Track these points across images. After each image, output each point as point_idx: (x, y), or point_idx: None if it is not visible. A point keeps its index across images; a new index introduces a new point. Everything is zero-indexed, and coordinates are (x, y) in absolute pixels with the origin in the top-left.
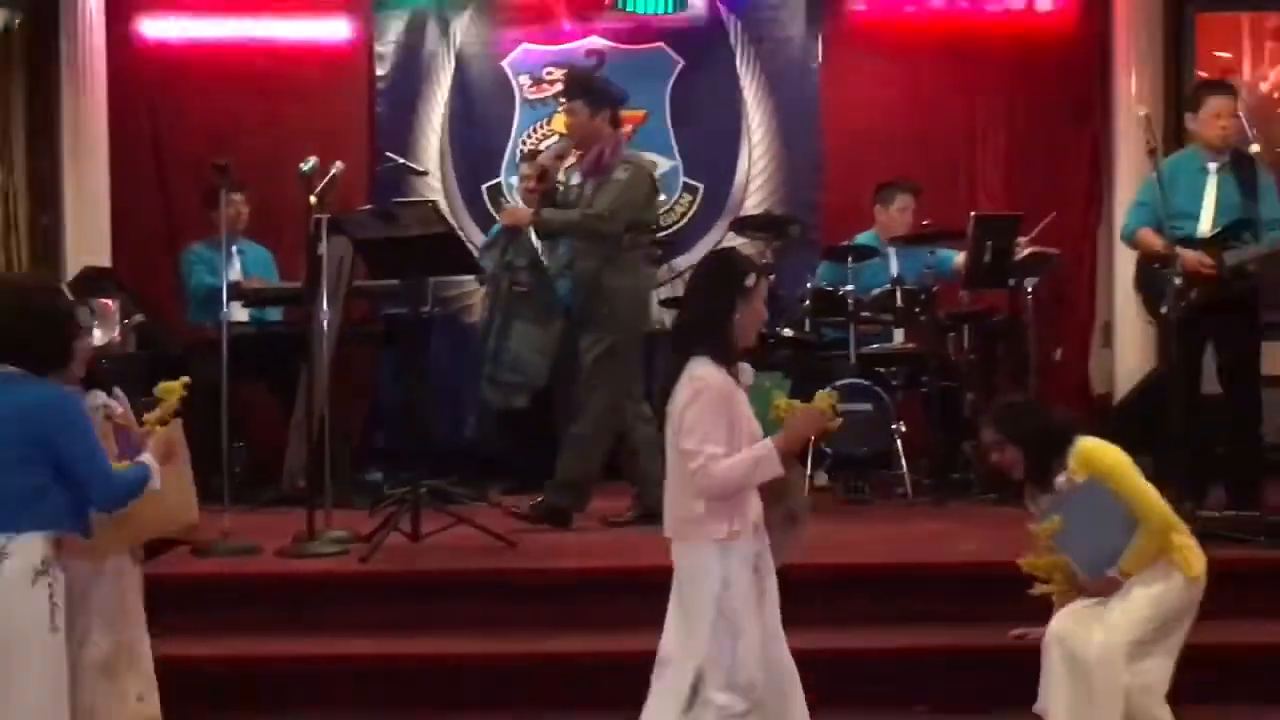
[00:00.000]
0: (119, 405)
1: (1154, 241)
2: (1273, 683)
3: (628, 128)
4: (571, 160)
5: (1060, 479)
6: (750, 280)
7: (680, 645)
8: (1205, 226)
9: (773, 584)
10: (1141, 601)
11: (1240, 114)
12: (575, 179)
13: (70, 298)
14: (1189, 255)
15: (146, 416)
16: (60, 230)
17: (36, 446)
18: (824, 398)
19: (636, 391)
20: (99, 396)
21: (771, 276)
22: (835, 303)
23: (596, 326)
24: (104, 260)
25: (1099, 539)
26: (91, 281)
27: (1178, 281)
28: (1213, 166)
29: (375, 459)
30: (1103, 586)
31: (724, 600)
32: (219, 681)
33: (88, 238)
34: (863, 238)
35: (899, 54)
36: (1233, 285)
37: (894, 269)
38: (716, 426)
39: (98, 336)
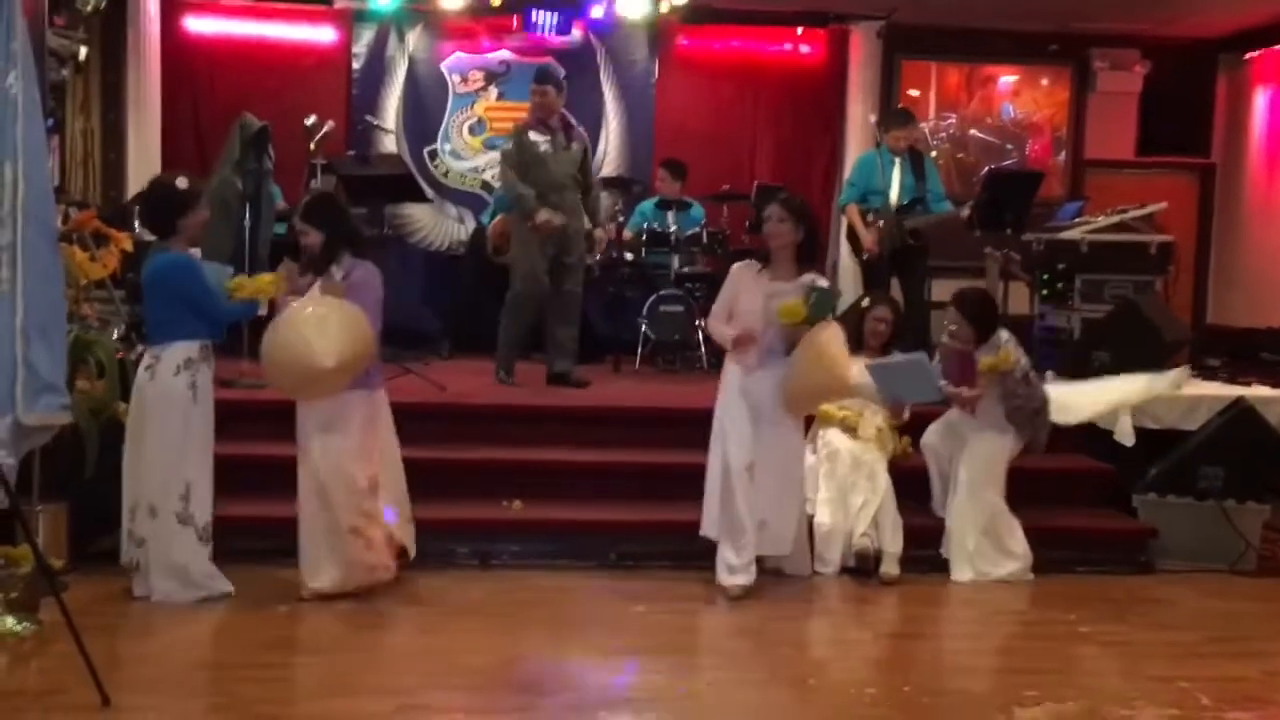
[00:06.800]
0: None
1: (854, 215)
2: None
3: (520, 115)
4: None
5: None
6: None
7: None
8: (893, 199)
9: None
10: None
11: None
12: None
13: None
14: (868, 239)
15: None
16: (124, 163)
17: (169, 292)
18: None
19: None
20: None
21: None
22: (662, 238)
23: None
24: None
25: (910, 392)
26: None
27: (870, 240)
28: (896, 161)
29: None
30: (895, 413)
31: None
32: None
33: (143, 169)
34: (655, 199)
35: (708, 76)
36: (911, 241)
37: (671, 220)
38: None
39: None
